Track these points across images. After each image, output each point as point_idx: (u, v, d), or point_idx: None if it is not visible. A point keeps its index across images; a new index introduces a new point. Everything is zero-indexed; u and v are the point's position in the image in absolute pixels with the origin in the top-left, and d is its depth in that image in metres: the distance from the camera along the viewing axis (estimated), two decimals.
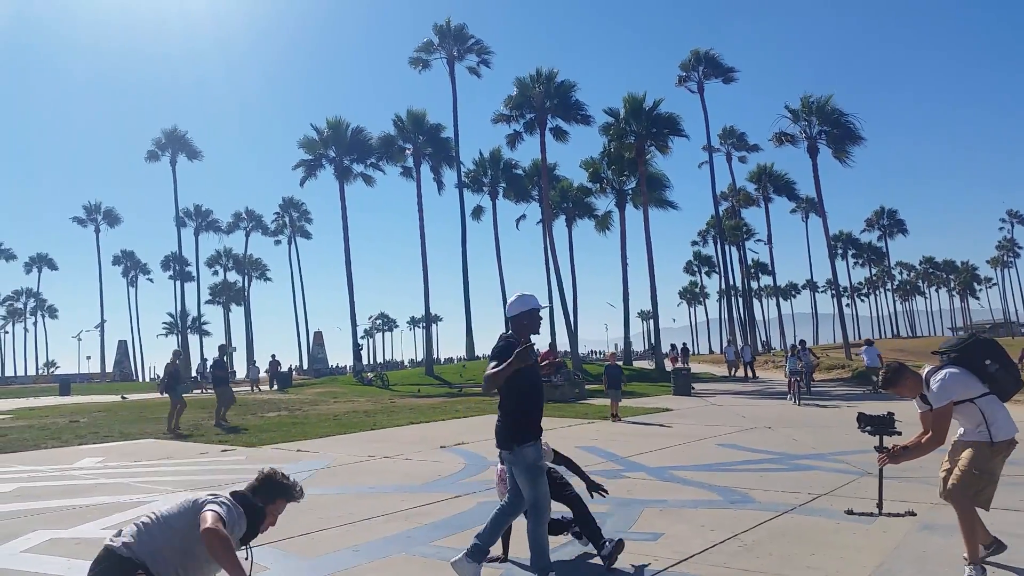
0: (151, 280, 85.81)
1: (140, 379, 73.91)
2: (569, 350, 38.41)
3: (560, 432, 13.88)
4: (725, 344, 42.90)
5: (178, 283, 66.24)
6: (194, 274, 69.87)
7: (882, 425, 6.26)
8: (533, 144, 42.25)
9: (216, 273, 78.80)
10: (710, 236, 75.61)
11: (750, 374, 34.10)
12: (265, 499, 3.95)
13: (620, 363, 21.71)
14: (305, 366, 68.46)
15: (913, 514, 6.47)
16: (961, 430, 4.86)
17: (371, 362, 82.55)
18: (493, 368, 4.67)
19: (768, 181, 59.56)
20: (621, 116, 39.43)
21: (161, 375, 18.69)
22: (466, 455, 11.14)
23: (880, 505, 6.54)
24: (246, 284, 78.94)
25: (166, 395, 16.88)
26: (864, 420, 6.41)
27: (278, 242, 74.17)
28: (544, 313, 5.08)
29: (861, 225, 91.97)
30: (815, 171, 41.80)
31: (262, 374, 41.67)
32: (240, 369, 62.55)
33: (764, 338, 72.65)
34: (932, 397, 4.75)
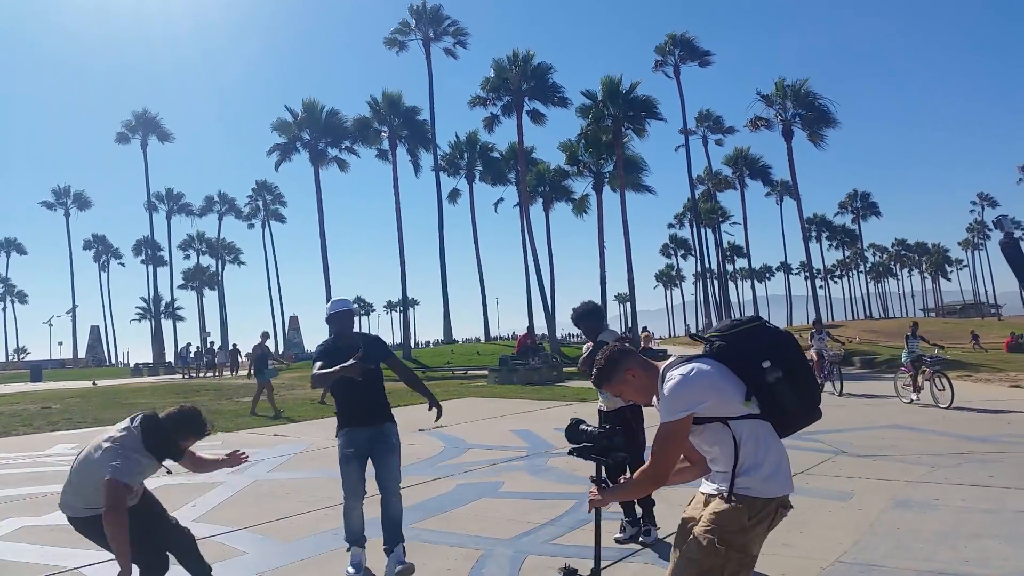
0: (123, 265, 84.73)
1: (114, 364, 73.14)
2: (547, 333, 38.52)
3: (537, 414, 13.92)
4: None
5: (150, 268, 65.50)
6: (167, 258, 69.18)
7: (600, 444, 3.41)
8: (510, 127, 42.30)
9: (189, 257, 77.97)
10: (686, 219, 76.00)
11: None
12: (181, 434, 4.11)
13: (655, 346, 19.28)
14: (281, 351, 68.05)
15: None
16: (712, 467, 2.95)
17: None
18: (320, 370, 5.03)
19: (744, 165, 59.96)
20: (598, 99, 39.34)
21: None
22: (444, 438, 11.14)
23: (597, 572, 3.89)
24: (219, 268, 78.14)
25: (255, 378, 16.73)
26: (573, 435, 3.48)
27: (252, 226, 73.35)
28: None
29: (835, 208, 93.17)
30: (790, 154, 42.08)
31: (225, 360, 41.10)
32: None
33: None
34: (662, 402, 2.85)
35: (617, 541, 5.55)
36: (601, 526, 3.53)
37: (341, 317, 5.29)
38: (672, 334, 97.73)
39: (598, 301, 37.32)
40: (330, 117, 44.20)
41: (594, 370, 3.10)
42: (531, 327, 41.66)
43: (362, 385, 5.11)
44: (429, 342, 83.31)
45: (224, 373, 37.24)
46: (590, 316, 6.00)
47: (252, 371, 17.57)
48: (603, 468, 3.42)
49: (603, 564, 5.01)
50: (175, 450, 4.10)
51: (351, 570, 4.99)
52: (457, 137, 50.69)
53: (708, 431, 2.82)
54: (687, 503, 3.03)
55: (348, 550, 5.12)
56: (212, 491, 7.77)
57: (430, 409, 5.46)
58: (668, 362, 2.96)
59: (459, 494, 7.38)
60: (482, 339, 56.26)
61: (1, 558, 5.64)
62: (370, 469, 5.17)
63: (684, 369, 2.84)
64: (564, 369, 25.36)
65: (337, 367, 4.92)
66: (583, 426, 3.55)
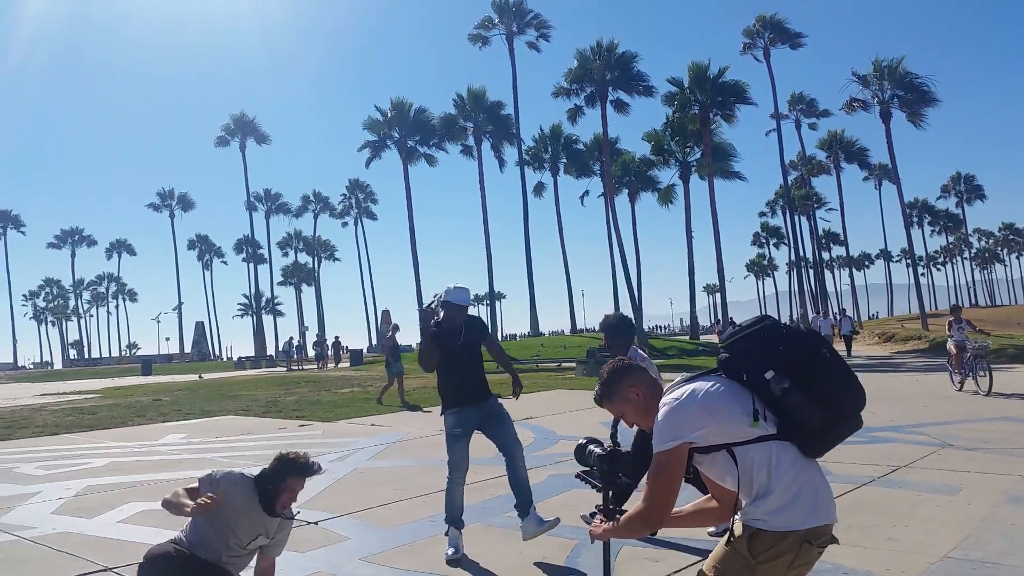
0: (225, 263, 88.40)
1: (218, 358, 76.47)
2: (634, 325, 38.29)
3: None
4: (814, 315, 41.09)
5: (251, 265, 68.25)
6: (266, 256, 71.92)
7: (601, 468, 3.05)
8: (594, 117, 41.95)
9: (287, 255, 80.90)
10: (778, 206, 73.82)
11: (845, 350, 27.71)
12: (274, 480, 3.88)
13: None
14: (373, 344, 69.75)
15: None
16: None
17: None
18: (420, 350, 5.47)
19: (839, 148, 57.86)
20: (685, 86, 38.75)
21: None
22: (535, 429, 11.23)
23: None
24: (316, 265, 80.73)
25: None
26: (581, 457, 3.18)
27: (345, 224, 75.53)
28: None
29: (936, 192, 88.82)
30: (888, 136, 40.45)
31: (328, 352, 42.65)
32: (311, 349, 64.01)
33: (836, 309, 70.76)
34: (654, 431, 2.51)
35: (710, 535, 5.50)
36: (611, 562, 3.20)
37: (457, 310, 5.49)
38: None
39: (687, 292, 36.50)
40: (418, 115, 45.04)
41: (597, 385, 2.77)
42: None
43: (466, 363, 5.45)
44: (516, 335, 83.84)
45: (329, 365, 38.58)
46: (614, 329, 5.97)
47: (386, 362, 17.74)
48: (610, 495, 3.00)
49: (699, 558, 4.98)
50: (272, 492, 3.88)
51: (450, 551, 5.14)
52: (541, 130, 50.85)
53: (717, 461, 2.47)
54: None
55: (446, 532, 5.27)
56: (314, 479, 8.07)
57: (513, 389, 5.82)
58: (672, 383, 2.62)
59: (551, 484, 7.44)
60: (568, 331, 56.22)
61: (123, 538, 6.03)
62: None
63: (678, 392, 2.51)
64: (653, 361, 25.13)
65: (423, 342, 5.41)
66: (591, 447, 3.15)
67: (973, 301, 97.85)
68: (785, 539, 2.36)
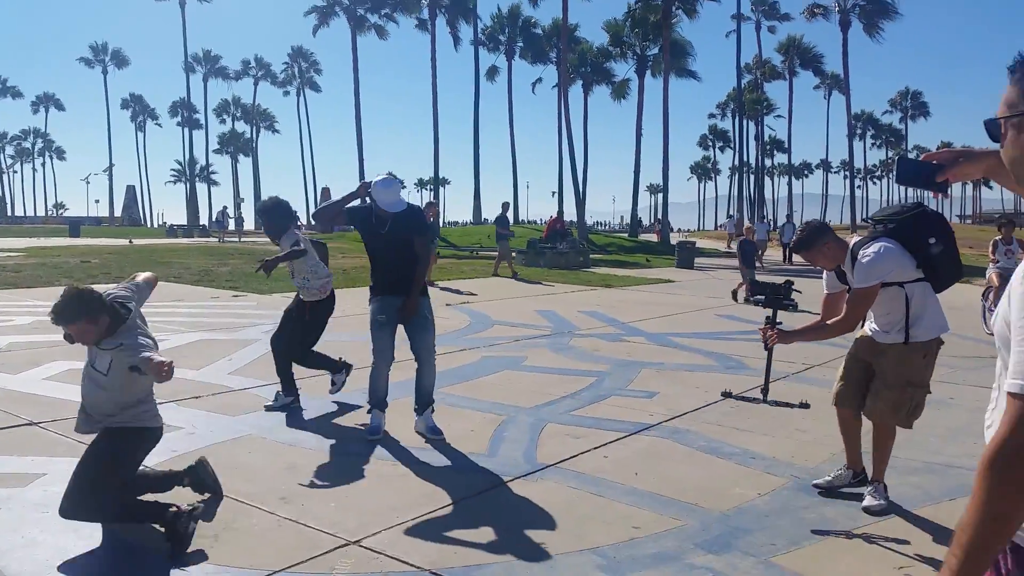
0: (159, 125, 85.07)
1: (149, 225, 74.41)
2: (576, 219, 38.40)
3: (562, 297, 14.11)
4: (727, 218, 41.79)
5: (186, 130, 65.47)
6: (202, 122, 69.18)
7: (776, 294, 4.60)
8: (554, 1, 40.61)
9: (224, 122, 77.95)
10: (729, 109, 73.88)
11: (764, 259, 28.16)
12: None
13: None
14: (311, 222, 68.59)
15: (806, 405, 4.88)
16: (874, 325, 4.02)
17: None
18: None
19: (796, 54, 57.71)
20: None
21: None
22: (471, 313, 11.37)
23: (766, 391, 4.93)
24: (254, 135, 78.07)
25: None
26: (756, 288, 4.70)
27: (287, 93, 72.90)
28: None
29: (883, 106, 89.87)
30: (844, 45, 40.64)
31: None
32: (249, 220, 62.58)
33: (771, 216, 72.21)
34: (858, 272, 3.81)
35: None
36: (772, 361, 4.75)
37: (381, 197, 5.11)
38: (701, 228, 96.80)
39: (630, 190, 36.46)
40: None
41: (795, 239, 4.05)
42: (561, 212, 41.50)
43: (393, 257, 5.20)
44: (459, 222, 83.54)
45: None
46: (271, 212, 5.98)
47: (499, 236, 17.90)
48: (775, 313, 4.39)
49: (619, 436, 5.23)
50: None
51: (369, 437, 5.13)
52: (499, 10, 49.22)
53: (887, 292, 3.80)
54: (857, 338, 4.19)
55: (368, 411, 5.32)
56: (248, 347, 8.11)
57: (402, 304, 5.24)
58: (856, 240, 3.92)
59: (484, 365, 7.61)
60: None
61: (48, 395, 5.99)
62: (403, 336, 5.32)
63: (875, 247, 3.76)
64: (591, 256, 25.42)
65: (339, 199, 5.33)
66: (762, 281, 4.78)
67: None
68: (933, 343, 3.88)
